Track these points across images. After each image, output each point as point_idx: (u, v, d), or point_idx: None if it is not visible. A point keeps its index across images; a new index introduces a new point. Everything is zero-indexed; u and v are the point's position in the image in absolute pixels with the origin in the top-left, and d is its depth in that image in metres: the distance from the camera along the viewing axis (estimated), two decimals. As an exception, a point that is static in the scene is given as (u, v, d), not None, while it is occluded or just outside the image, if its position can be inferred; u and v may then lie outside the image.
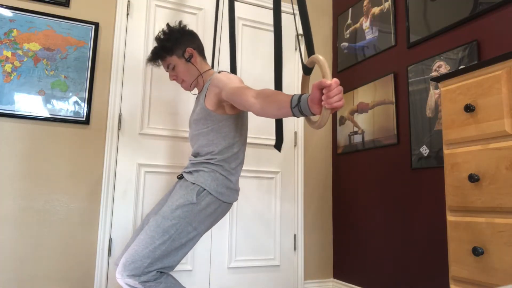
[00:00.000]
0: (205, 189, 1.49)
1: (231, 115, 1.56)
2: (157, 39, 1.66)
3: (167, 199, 1.67)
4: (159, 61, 1.69)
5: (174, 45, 1.62)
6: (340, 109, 1.07)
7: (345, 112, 2.75)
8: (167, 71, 1.69)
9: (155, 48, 1.65)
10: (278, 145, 1.63)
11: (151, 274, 1.37)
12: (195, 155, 1.63)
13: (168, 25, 1.67)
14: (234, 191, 1.58)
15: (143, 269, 1.35)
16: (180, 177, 1.64)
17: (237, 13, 2.68)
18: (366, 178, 2.51)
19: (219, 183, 1.52)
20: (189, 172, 1.57)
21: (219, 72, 1.62)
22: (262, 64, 2.73)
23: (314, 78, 2.91)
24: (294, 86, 2.82)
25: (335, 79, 1.03)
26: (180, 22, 1.70)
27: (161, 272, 1.41)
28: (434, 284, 1.96)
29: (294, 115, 1.15)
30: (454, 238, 1.39)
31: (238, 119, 1.59)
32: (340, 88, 1.04)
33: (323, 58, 1.14)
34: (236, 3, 2.66)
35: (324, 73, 1.11)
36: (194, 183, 1.51)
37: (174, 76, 1.67)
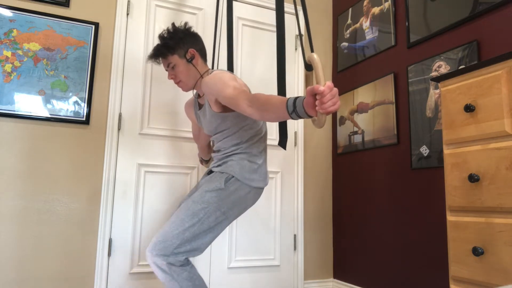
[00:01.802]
0: (233, 176, 1.53)
1: None
2: (161, 37, 1.66)
3: (198, 187, 1.72)
4: (160, 59, 1.69)
5: (177, 45, 1.63)
6: (337, 111, 1.08)
7: (345, 112, 2.75)
8: (166, 70, 1.69)
9: (157, 45, 1.65)
10: (283, 143, 1.63)
11: (179, 258, 1.41)
12: (218, 150, 1.66)
13: (173, 24, 1.68)
14: (263, 175, 1.61)
15: (172, 250, 1.40)
16: (209, 172, 1.70)
17: (237, 13, 2.68)
18: (366, 178, 2.51)
19: (247, 169, 1.55)
20: (218, 166, 1.62)
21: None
22: (262, 64, 2.72)
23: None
24: (295, 86, 2.82)
25: (328, 84, 1.02)
26: (185, 24, 1.70)
27: (187, 260, 1.45)
28: (434, 284, 1.96)
29: (293, 119, 1.16)
30: (454, 238, 1.39)
31: None
32: (334, 91, 1.04)
33: (318, 59, 1.11)
34: (236, 3, 2.66)
35: (317, 77, 1.09)
36: (222, 172, 1.56)
37: (173, 76, 1.67)
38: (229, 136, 1.60)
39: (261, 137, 1.63)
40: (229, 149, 1.60)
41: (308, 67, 1.43)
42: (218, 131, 1.63)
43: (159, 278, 1.43)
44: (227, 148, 1.61)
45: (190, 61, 1.64)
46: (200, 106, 1.75)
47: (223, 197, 1.49)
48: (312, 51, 1.50)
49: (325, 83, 1.05)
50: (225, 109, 1.57)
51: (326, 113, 1.05)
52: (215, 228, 1.48)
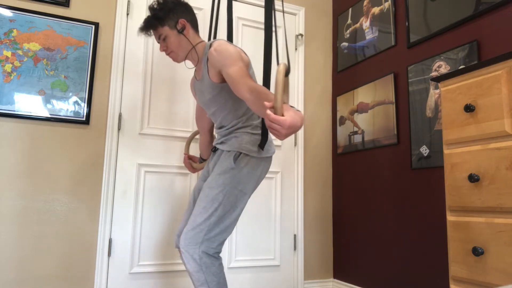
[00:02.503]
0: (241, 153, 1.55)
1: None
2: (151, 8, 1.63)
3: (206, 173, 1.74)
4: (151, 32, 1.67)
5: (167, 15, 1.60)
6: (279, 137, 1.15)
7: (345, 112, 2.75)
8: (158, 42, 1.67)
9: (148, 17, 1.63)
10: (261, 144, 1.64)
11: (211, 245, 1.45)
12: (221, 126, 1.66)
13: None
14: (269, 143, 1.62)
15: (203, 236, 1.44)
16: (214, 149, 1.70)
17: (237, 13, 2.68)
18: (366, 178, 2.51)
19: (252, 142, 1.57)
20: (221, 143, 1.62)
21: (211, 45, 1.58)
22: (262, 64, 2.72)
23: (314, 76, 2.91)
24: (294, 86, 2.82)
25: (280, 120, 1.07)
26: None
27: (218, 255, 1.49)
28: (434, 284, 1.96)
29: None
30: (454, 238, 1.39)
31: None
32: (283, 130, 1.08)
33: (281, 77, 1.07)
34: (236, 3, 2.66)
35: (275, 93, 1.08)
36: (229, 151, 1.56)
37: (165, 47, 1.66)
38: (227, 110, 1.60)
39: None
40: (231, 123, 1.61)
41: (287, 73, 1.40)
42: (216, 105, 1.61)
43: (187, 268, 1.45)
44: (228, 123, 1.62)
45: (181, 31, 1.62)
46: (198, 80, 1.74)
47: (237, 175, 1.52)
48: (287, 58, 1.48)
49: (281, 107, 1.06)
50: (223, 80, 1.56)
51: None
52: (237, 205, 1.52)
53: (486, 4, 1.80)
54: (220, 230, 1.48)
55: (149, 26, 1.63)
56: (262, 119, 1.65)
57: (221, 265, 1.49)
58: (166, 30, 1.61)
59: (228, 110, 1.60)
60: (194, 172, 1.98)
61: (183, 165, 2.39)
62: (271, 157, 1.63)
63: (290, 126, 1.07)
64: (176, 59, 1.68)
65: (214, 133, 1.75)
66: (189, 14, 1.67)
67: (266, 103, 1.13)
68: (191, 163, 1.96)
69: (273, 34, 1.65)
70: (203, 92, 1.66)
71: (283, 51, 2.79)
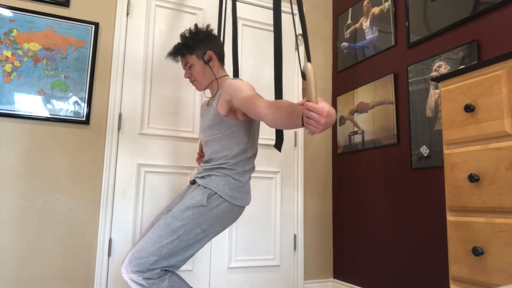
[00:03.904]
0: (216, 193, 1.51)
1: (244, 120, 1.59)
2: (182, 36, 1.70)
3: (179, 201, 1.68)
4: (179, 58, 1.72)
5: (196, 45, 1.66)
6: (315, 133, 1.10)
7: (345, 112, 2.76)
8: (184, 69, 1.73)
9: (178, 44, 1.69)
10: (278, 145, 1.64)
11: (155, 272, 1.38)
12: (208, 161, 1.65)
13: (196, 25, 1.72)
14: (247, 194, 1.59)
15: (148, 266, 1.37)
16: (193, 182, 1.67)
17: (238, 13, 2.68)
18: (366, 178, 2.51)
19: (231, 187, 1.54)
20: (202, 177, 1.59)
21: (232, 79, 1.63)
22: (263, 65, 2.72)
23: (317, 80, 2.90)
24: (294, 86, 2.82)
25: (318, 107, 1.03)
26: (208, 26, 1.74)
27: (165, 270, 1.42)
28: (434, 284, 1.96)
29: (303, 126, 1.17)
30: (454, 238, 1.39)
31: (251, 125, 1.63)
32: (323, 119, 1.04)
33: (312, 72, 1.07)
34: (237, 3, 2.66)
35: (308, 91, 1.07)
36: (206, 187, 1.53)
37: (189, 75, 1.71)
38: (219, 146, 1.59)
39: (250, 157, 1.62)
40: (218, 161, 1.58)
41: (304, 76, 1.40)
42: (211, 134, 1.62)
43: None
44: (216, 159, 1.60)
45: (207, 62, 1.67)
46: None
47: (205, 214, 1.46)
48: (308, 59, 1.47)
49: (316, 100, 1.05)
50: (228, 113, 1.58)
51: (309, 129, 1.08)
52: (193, 245, 1.46)
53: (485, 4, 1.80)
54: (167, 264, 1.40)
55: (178, 52, 1.69)
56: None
57: (171, 274, 1.42)
58: (193, 59, 1.67)
59: (220, 147, 1.59)
60: None
61: (183, 165, 2.39)
62: (243, 208, 1.59)
63: (328, 114, 1.04)
64: (199, 88, 1.73)
65: (201, 164, 1.72)
66: (218, 47, 1.72)
67: (301, 101, 1.10)
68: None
69: (298, 36, 1.65)
70: (205, 117, 1.69)
71: (287, 50, 2.79)
